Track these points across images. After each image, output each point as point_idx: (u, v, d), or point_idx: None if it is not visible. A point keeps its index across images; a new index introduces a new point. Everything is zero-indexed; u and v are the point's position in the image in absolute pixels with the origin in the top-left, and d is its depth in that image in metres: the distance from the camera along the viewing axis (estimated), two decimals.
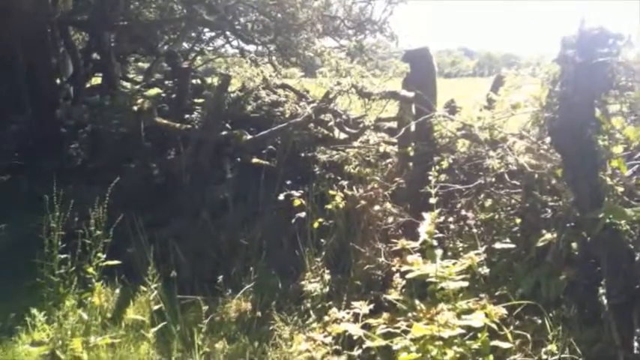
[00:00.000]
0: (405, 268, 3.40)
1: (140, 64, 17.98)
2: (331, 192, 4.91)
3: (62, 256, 4.28)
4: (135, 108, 7.01)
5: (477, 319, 3.04)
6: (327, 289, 4.76)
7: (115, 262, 4.45)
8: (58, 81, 11.66)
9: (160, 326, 4.24)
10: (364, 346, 3.47)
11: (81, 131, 9.66)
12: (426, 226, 3.41)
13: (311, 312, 4.68)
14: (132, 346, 4.69)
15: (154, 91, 10.26)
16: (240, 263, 5.59)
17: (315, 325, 4.50)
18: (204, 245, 5.99)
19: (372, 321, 3.57)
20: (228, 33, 12.14)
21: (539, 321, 3.41)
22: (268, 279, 5.33)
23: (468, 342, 3.07)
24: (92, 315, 4.36)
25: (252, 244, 5.75)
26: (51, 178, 9.23)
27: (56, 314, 4.25)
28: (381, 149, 4.99)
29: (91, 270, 4.22)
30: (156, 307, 4.36)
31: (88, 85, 13.12)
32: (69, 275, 4.27)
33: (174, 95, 8.06)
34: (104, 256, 4.32)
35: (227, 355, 4.55)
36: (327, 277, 4.83)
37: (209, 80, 8.75)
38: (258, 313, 4.66)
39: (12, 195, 9.48)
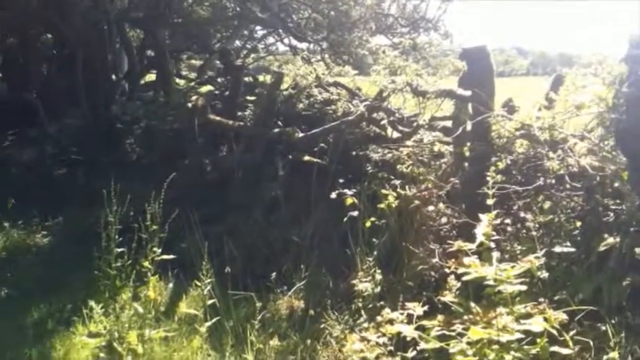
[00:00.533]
0: (461, 270, 3.33)
1: (192, 61, 18.27)
2: (384, 191, 4.87)
3: (119, 250, 4.35)
4: (189, 105, 7.09)
5: (537, 324, 2.96)
6: (378, 289, 4.72)
7: (170, 256, 4.50)
8: (113, 77, 11.91)
9: (213, 321, 4.28)
10: (418, 348, 3.42)
11: (136, 127, 9.86)
12: (482, 228, 3.34)
13: (362, 312, 4.65)
14: (185, 340, 4.75)
15: (206, 89, 10.40)
16: (291, 260, 5.61)
17: (366, 324, 4.48)
18: (255, 242, 6.03)
19: (426, 323, 3.52)
20: (280, 31, 12.20)
21: (602, 327, 3.30)
22: (319, 277, 5.33)
23: (526, 347, 3.00)
24: (147, 308, 4.43)
25: (303, 241, 5.76)
26: (106, 173, 9.50)
27: (113, 307, 4.33)
28: (436, 149, 4.92)
29: (146, 264, 4.28)
30: (209, 302, 4.38)
31: (142, 82, 13.39)
32: (125, 269, 4.34)
33: (227, 92, 8.13)
34: (159, 250, 4.37)
35: (278, 352, 4.57)
36: (378, 276, 4.79)
37: (261, 78, 8.80)
38: (311, 312, 4.65)
39: (69, 188, 9.75)
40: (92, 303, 4.30)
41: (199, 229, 5.96)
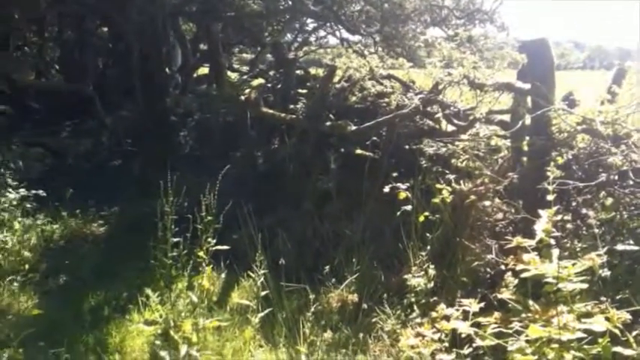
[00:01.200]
0: (519, 266, 3.25)
1: (243, 55, 18.42)
2: (438, 186, 4.80)
3: (175, 240, 4.41)
4: (242, 98, 7.14)
5: (599, 323, 2.87)
6: (431, 285, 4.67)
7: (224, 247, 4.53)
8: (168, 70, 12.09)
9: (265, 312, 4.30)
10: (474, 345, 3.37)
11: (189, 120, 10.01)
12: (542, 224, 3.25)
13: (414, 307, 4.61)
14: (237, 330, 4.80)
15: (257, 82, 10.46)
16: (342, 254, 5.60)
17: (418, 320, 4.44)
18: (307, 234, 6.04)
19: (482, 319, 3.46)
20: (331, 24, 12.17)
21: None
22: (371, 271, 5.31)
23: (586, 347, 2.91)
24: (200, 298, 4.48)
25: (355, 235, 5.74)
26: (160, 164, 9.66)
27: (168, 295, 4.39)
28: (492, 143, 4.81)
29: (201, 254, 4.33)
30: (263, 294, 4.40)
31: (195, 75, 13.57)
32: (181, 258, 4.40)
33: (279, 85, 8.16)
34: (214, 241, 4.41)
35: (330, 344, 4.57)
36: (431, 272, 4.74)
37: (312, 71, 8.80)
38: (364, 305, 4.63)
39: (124, 179, 9.97)
40: (149, 291, 4.37)
41: (251, 221, 6.02)
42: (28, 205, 7.60)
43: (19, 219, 7.26)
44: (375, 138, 5.97)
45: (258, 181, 7.13)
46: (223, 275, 5.89)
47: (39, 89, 14.11)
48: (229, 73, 13.37)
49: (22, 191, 7.51)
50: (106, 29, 15.75)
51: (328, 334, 4.64)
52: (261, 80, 10.51)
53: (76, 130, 14.44)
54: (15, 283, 5.86)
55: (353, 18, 10.42)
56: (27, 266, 6.40)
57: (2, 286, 5.73)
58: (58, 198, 8.42)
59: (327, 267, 5.14)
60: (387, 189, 4.82)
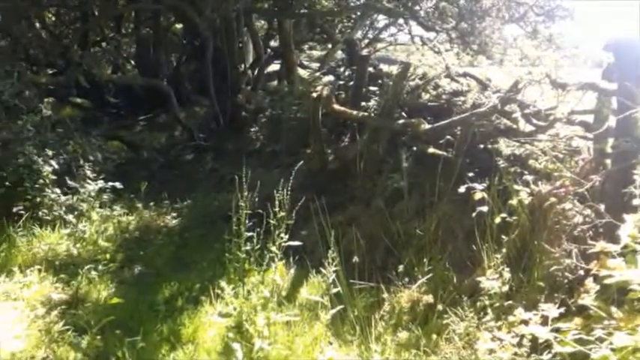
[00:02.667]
0: (603, 272, 3.13)
1: (312, 52, 18.48)
2: (516, 187, 4.67)
3: (249, 234, 4.46)
4: (313, 95, 7.15)
5: None
6: (506, 288, 4.55)
7: (297, 242, 4.56)
8: (240, 67, 12.26)
9: (337, 309, 4.29)
10: (553, 351, 3.26)
11: (260, 116, 10.11)
12: (628, 229, 3.12)
13: (488, 310, 4.51)
14: (307, 326, 4.81)
15: (327, 79, 10.45)
16: (413, 253, 5.53)
17: (492, 323, 4.34)
18: (376, 232, 6.00)
19: (561, 325, 3.34)
20: (403, 20, 12.04)
21: None
22: (442, 271, 5.22)
23: None
24: (272, 292, 4.51)
25: (426, 234, 5.66)
26: (231, 160, 9.83)
27: (241, 289, 4.45)
28: (574, 144, 4.65)
29: (274, 249, 4.36)
30: (334, 291, 4.40)
31: (266, 72, 13.71)
32: (254, 252, 4.45)
33: (350, 83, 8.13)
34: (286, 236, 4.44)
35: (400, 344, 4.53)
36: (506, 275, 4.62)
37: (384, 68, 8.71)
38: (439, 307, 4.56)
39: (197, 173, 10.20)
40: (223, 284, 4.43)
41: (321, 218, 6.03)
42: (105, 197, 7.87)
43: (97, 210, 7.52)
44: (449, 137, 5.85)
45: (328, 177, 7.14)
46: (292, 271, 5.95)
47: (117, 84, 14.57)
48: (300, 69, 13.44)
49: (101, 183, 7.77)
50: (180, 26, 16.13)
51: (399, 334, 4.59)
52: (331, 77, 10.49)
53: (151, 124, 14.87)
54: (93, 272, 6.05)
55: (428, 14, 10.27)
56: (104, 256, 6.60)
57: (81, 274, 5.93)
58: (133, 190, 8.68)
59: (400, 266, 5.10)
60: (462, 189, 4.72)
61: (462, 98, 6.31)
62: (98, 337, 4.68)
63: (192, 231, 7.91)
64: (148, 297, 5.79)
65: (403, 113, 6.65)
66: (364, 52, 8.99)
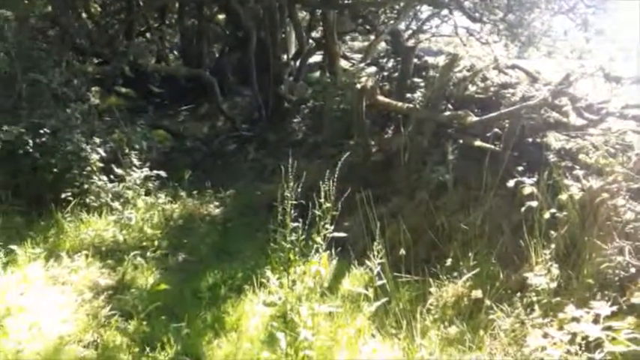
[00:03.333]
0: None
1: (354, 43, 18.40)
2: (566, 182, 4.56)
3: (294, 225, 4.45)
4: (357, 86, 7.12)
5: None
6: (554, 284, 4.46)
7: (342, 234, 4.54)
8: (283, 57, 12.27)
9: (382, 302, 4.26)
10: (605, 350, 3.19)
11: (303, 107, 10.11)
12: None
13: (535, 306, 4.43)
14: (349, 318, 4.80)
15: (370, 70, 10.39)
16: (457, 247, 5.47)
17: (539, 320, 4.26)
18: (420, 225, 5.95)
19: (614, 324, 3.27)
20: (449, 11, 11.87)
21: None
22: (488, 266, 5.15)
23: None
24: (315, 283, 4.50)
25: (472, 228, 5.58)
26: (273, 150, 9.88)
27: (286, 279, 4.45)
28: (627, 139, 4.52)
29: (319, 240, 4.35)
30: (379, 283, 4.37)
31: (308, 62, 13.70)
32: (299, 243, 4.44)
33: (395, 74, 8.07)
34: (332, 227, 4.42)
35: (443, 339, 4.48)
36: (555, 271, 4.53)
37: (430, 60, 8.61)
38: (487, 302, 4.50)
39: (239, 163, 10.27)
40: (269, 273, 4.44)
41: (364, 209, 6.00)
42: (150, 185, 7.97)
43: (143, 197, 7.63)
44: (497, 130, 5.75)
45: (371, 169, 7.10)
46: (334, 262, 5.94)
47: (161, 74, 14.75)
48: (342, 60, 13.39)
49: (146, 171, 7.88)
50: (222, 17, 16.23)
51: (443, 329, 4.54)
52: (374, 68, 10.42)
53: (193, 114, 15.04)
54: (138, 259, 6.14)
55: (475, 5, 10.10)
56: (149, 243, 6.71)
57: (127, 260, 6.02)
58: (177, 179, 8.78)
59: (446, 260, 5.05)
60: (511, 183, 4.64)
61: (511, 91, 6.18)
62: (144, 322, 4.75)
63: (235, 220, 7.98)
64: (192, 284, 5.86)
65: (449, 105, 6.55)
66: (410, 43, 8.89)
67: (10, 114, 7.15)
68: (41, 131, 7.02)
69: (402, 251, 4.52)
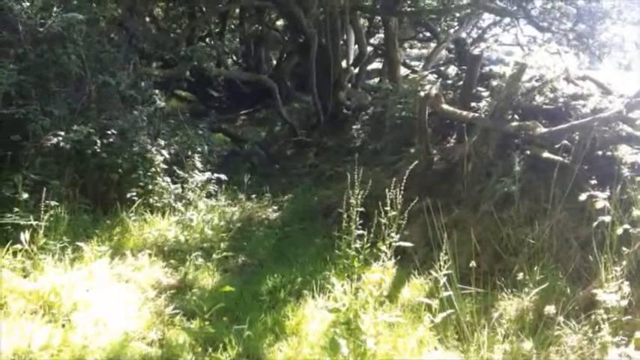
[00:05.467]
0: None
1: (411, 50, 18.31)
2: None
3: (359, 232, 4.43)
4: (421, 93, 7.06)
5: None
6: (625, 302, 4.31)
7: (408, 243, 4.51)
8: (343, 64, 12.31)
9: (447, 313, 4.20)
10: None
11: (363, 113, 10.10)
12: None
13: (604, 324, 4.29)
14: (409, 328, 4.75)
15: (430, 78, 10.32)
16: (523, 261, 5.35)
17: (608, 338, 4.13)
18: (484, 237, 5.83)
19: None
20: (512, 20, 11.67)
21: None
22: (554, 281, 5.02)
23: None
24: (379, 291, 4.47)
25: (538, 242, 5.45)
26: (332, 156, 9.90)
27: (350, 286, 4.44)
28: None
29: (384, 248, 4.33)
30: (445, 294, 4.30)
31: (368, 69, 13.70)
32: (363, 250, 4.43)
33: (460, 82, 7.97)
34: (397, 236, 4.39)
35: (506, 353, 4.38)
36: (626, 288, 4.38)
37: (495, 69, 8.48)
38: (560, 318, 4.37)
39: (298, 168, 10.34)
40: (334, 279, 4.44)
41: (424, 219, 5.93)
42: (211, 187, 8.10)
43: (204, 199, 7.75)
44: (566, 142, 5.60)
45: (432, 178, 7.03)
46: (394, 271, 5.89)
47: (220, 79, 14.98)
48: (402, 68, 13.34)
49: (208, 174, 8.01)
50: (281, 23, 16.40)
51: (507, 343, 4.44)
52: (434, 76, 10.33)
53: (251, 118, 15.25)
54: (200, 259, 6.24)
55: (543, 14, 9.90)
56: (209, 244, 6.80)
57: (188, 260, 6.12)
58: (236, 182, 8.90)
59: (510, 273, 4.94)
60: (583, 196, 4.51)
61: (582, 102, 6.02)
62: (206, 322, 4.80)
63: (293, 225, 8.02)
64: (252, 287, 5.92)
65: (515, 116, 6.43)
66: (476, 51, 8.77)
67: (80, 115, 7.34)
68: (109, 132, 7.20)
69: (473, 263, 4.41)
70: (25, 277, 5.04)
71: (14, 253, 5.18)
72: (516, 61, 6.55)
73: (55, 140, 6.58)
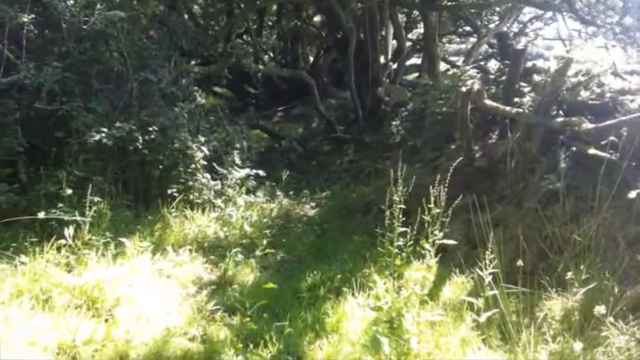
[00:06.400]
0: None
1: (450, 45, 18.11)
2: None
3: (402, 230, 4.38)
4: (463, 89, 6.94)
5: None
6: None
7: (451, 241, 4.44)
8: (382, 60, 12.22)
9: (492, 313, 4.12)
10: None
11: (402, 109, 10.01)
12: None
13: None
14: (451, 327, 4.69)
15: (470, 73, 10.17)
16: (567, 259, 5.23)
17: None
18: (527, 235, 5.72)
19: None
20: (554, 13, 11.41)
21: None
22: (601, 280, 4.89)
23: None
24: (421, 290, 4.42)
25: (584, 240, 5.32)
26: (370, 152, 9.84)
27: (392, 284, 4.40)
28: None
29: (427, 246, 4.27)
30: (491, 293, 4.22)
31: (406, 65, 13.58)
32: (406, 248, 4.38)
33: (502, 77, 7.83)
34: (441, 234, 4.33)
35: (553, 353, 4.29)
36: None
37: (537, 64, 8.31)
38: (610, 319, 4.26)
39: (335, 164, 10.31)
40: (376, 277, 4.41)
41: (465, 216, 5.85)
42: (250, 184, 8.12)
43: (243, 196, 7.78)
44: (613, 138, 5.44)
45: (474, 175, 6.91)
46: (435, 269, 5.81)
47: (257, 75, 15.04)
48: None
49: (246, 170, 8.04)
50: (317, 18, 16.36)
51: (552, 344, 4.34)
52: (475, 71, 10.17)
53: (288, 115, 15.27)
54: (239, 256, 6.25)
55: (589, 7, 9.63)
56: (248, 240, 6.82)
57: (228, 256, 6.14)
58: (273, 178, 8.91)
59: (555, 272, 4.84)
60: (632, 194, 4.38)
61: (630, 97, 5.85)
62: (247, 319, 4.81)
63: (332, 222, 8.00)
64: (292, 284, 5.91)
65: (561, 111, 6.28)
66: (520, 45, 8.60)
67: (122, 111, 7.44)
68: (150, 129, 7.28)
69: (520, 262, 4.31)
70: (69, 272, 5.12)
71: (58, 249, 5.26)
72: (561, 56, 6.40)
73: (97, 137, 6.67)
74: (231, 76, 13.54)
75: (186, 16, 13.73)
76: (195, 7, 15.20)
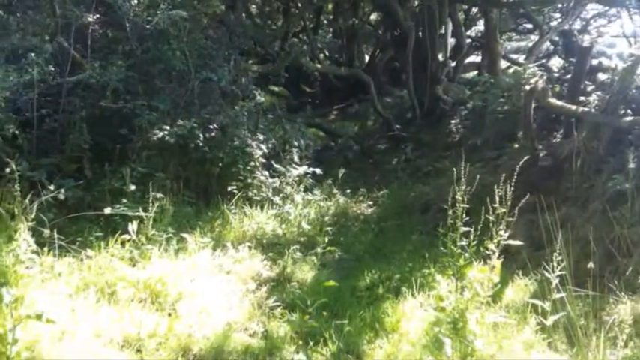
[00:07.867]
0: None
1: (510, 42, 17.72)
2: None
3: (465, 229, 4.30)
4: (526, 87, 6.79)
5: None
6: None
7: (517, 242, 4.34)
8: (440, 57, 12.08)
9: (559, 316, 4.00)
10: None
11: (461, 108, 9.87)
12: None
13: None
14: (515, 329, 4.59)
15: (532, 70, 9.94)
16: (637, 261, 5.06)
17: None
18: (593, 236, 5.55)
19: None
20: (619, 10, 11.06)
21: None
22: None
23: None
24: (486, 291, 4.33)
25: None
26: (428, 151, 9.73)
27: (455, 285, 4.32)
28: None
29: (492, 246, 4.18)
30: (558, 296, 4.10)
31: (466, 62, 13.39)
32: (470, 248, 4.30)
33: (567, 75, 7.63)
34: (506, 234, 4.23)
35: (623, 359, 4.15)
36: None
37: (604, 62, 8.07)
38: None
39: (393, 163, 10.23)
40: (439, 277, 4.34)
41: (528, 217, 5.72)
42: (307, 182, 8.14)
43: (301, 193, 7.80)
44: None
45: (537, 175, 6.75)
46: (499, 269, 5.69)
47: (313, 74, 15.07)
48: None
49: (304, 168, 8.06)
50: (373, 17, 16.27)
51: (620, 349, 4.20)
52: (536, 69, 9.93)
53: (344, 113, 15.24)
54: (297, 253, 6.26)
55: None
56: (306, 238, 6.83)
57: (286, 254, 6.16)
58: (330, 176, 8.90)
59: (623, 275, 4.68)
60: None
61: None
62: (307, 316, 4.81)
63: (389, 221, 7.93)
64: (350, 282, 5.88)
65: (629, 110, 6.08)
66: (586, 43, 8.35)
67: (183, 110, 7.56)
68: (210, 127, 7.37)
69: (591, 264, 4.19)
70: (133, 266, 5.22)
71: (122, 243, 5.37)
72: (630, 53, 6.19)
73: (160, 134, 6.80)
74: (288, 75, 13.58)
75: (243, 16, 13.89)
76: (253, 6, 15.34)
